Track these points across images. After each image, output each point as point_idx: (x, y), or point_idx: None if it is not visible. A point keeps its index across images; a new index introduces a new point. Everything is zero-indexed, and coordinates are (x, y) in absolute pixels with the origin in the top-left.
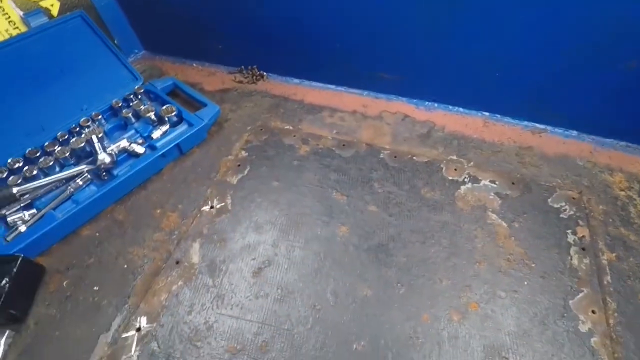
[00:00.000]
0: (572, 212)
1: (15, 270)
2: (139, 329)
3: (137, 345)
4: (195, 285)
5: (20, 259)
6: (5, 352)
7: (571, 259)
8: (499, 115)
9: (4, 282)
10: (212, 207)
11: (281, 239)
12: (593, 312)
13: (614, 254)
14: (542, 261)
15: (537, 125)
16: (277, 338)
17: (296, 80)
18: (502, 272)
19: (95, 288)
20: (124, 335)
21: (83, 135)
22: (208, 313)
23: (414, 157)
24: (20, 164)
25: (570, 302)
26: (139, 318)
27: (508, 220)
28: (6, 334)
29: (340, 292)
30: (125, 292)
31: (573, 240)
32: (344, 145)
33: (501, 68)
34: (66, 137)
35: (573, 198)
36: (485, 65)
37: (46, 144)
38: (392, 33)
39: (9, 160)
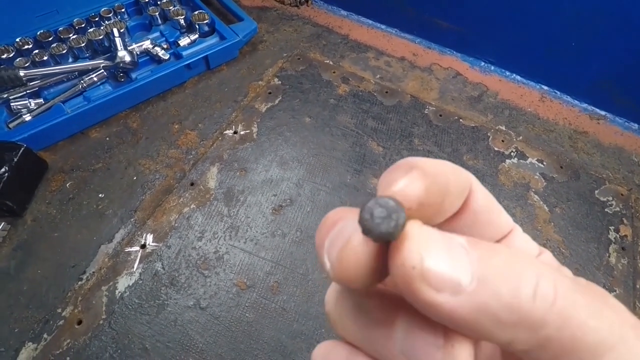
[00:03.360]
0: (617, 209)
1: (16, 159)
2: (144, 246)
3: (140, 262)
4: (209, 212)
5: (22, 148)
6: None
7: (609, 257)
8: (558, 92)
9: (2, 170)
10: (235, 132)
11: (307, 179)
12: None
13: None
14: (579, 253)
15: (597, 110)
16: (290, 281)
17: (344, 12)
18: None
19: (100, 195)
20: (127, 250)
21: (102, 28)
22: (219, 243)
23: (461, 120)
24: (30, 46)
25: None
26: (145, 234)
27: (550, 205)
28: (1, 226)
29: None
30: (132, 205)
31: (614, 238)
32: (386, 92)
33: (582, 37)
34: (83, 25)
35: (621, 194)
36: (565, 30)
37: (60, 29)
38: None
39: (18, 40)
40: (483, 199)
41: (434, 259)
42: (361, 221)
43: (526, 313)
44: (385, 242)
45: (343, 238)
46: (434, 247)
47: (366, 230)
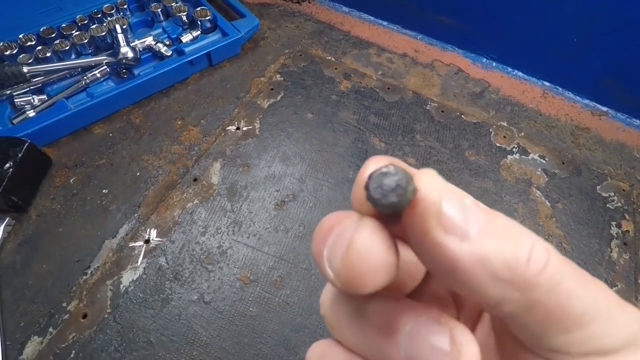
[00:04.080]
0: (619, 204)
1: (20, 155)
2: (147, 241)
3: (144, 257)
4: (212, 207)
5: (26, 144)
6: (3, 239)
7: (610, 252)
8: (560, 88)
9: (7, 165)
10: (238, 128)
11: (309, 175)
12: None
13: None
14: (581, 248)
15: (599, 106)
16: (293, 275)
17: (345, 9)
18: None
19: (104, 191)
20: (131, 245)
21: (105, 24)
22: (223, 238)
23: (463, 116)
24: (33, 43)
25: None
26: (148, 230)
27: (552, 200)
28: (6, 221)
29: None
30: (135, 201)
31: (616, 233)
32: (388, 88)
33: (584, 33)
34: (86, 22)
35: (623, 190)
36: (567, 26)
37: (63, 25)
38: None
39: (21, 36)
40: None
41: (449, 204)
42: (376, 203)
43: (520, 273)
44: (404, 208)
45: (344, 242)
46: (451, 193)
47: (385, 205)
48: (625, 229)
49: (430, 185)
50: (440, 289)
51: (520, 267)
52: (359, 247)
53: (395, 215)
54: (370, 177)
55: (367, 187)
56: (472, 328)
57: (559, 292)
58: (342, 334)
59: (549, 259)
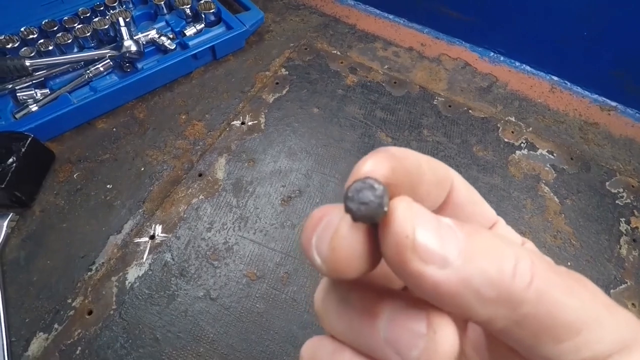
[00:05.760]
0: (628, 201)
1: (23, 149)
2: (153, 237)
3: (149, 253)
4: (218, 203)
5: (30, 138)
6: (7, 235)
7: (620, 249)
8: (568, 83)
9: (10, 160)
10: (243, 123)
11: (316, 170)
12: (633, 305)
13: None
14: (590, 245)
15: (608, 101)
16: (300, 272)
17: (351, 1)
18: (546, 248)
19: (108, 186)
20: (136, 240)
21: (108, 17)
22: (229, 233)
23: (470, 111)
24: (35, 36)
25: (612, 291)
26: (153, 225)
27: (561, 197)
28: (9, 217)
29: None
30: (140, 196)
31: (625, 230)
32: (395, 82)
33: (593, 26)
34: (88, 14)
35: (632, 186)
36: (577, 20)
37: (65, 18)
38: None
39: (23, 29)
40: (465, 191)
41: (424, 233)
42: (349, 210)
43: (506, 290)
44: (376, 221)
45: (330, 230)
46: (425, 221)
47: (357, 216)
48: (634, 226)
49: (403, 216)
50: None
51: (506, 284)
52: (345, 233)
53: (373, 225)
54: (349, 187)
55: (345, 197)
56: (464, 325)
57: (546, 304)
58: (331, 323)
59: (534, 272)
